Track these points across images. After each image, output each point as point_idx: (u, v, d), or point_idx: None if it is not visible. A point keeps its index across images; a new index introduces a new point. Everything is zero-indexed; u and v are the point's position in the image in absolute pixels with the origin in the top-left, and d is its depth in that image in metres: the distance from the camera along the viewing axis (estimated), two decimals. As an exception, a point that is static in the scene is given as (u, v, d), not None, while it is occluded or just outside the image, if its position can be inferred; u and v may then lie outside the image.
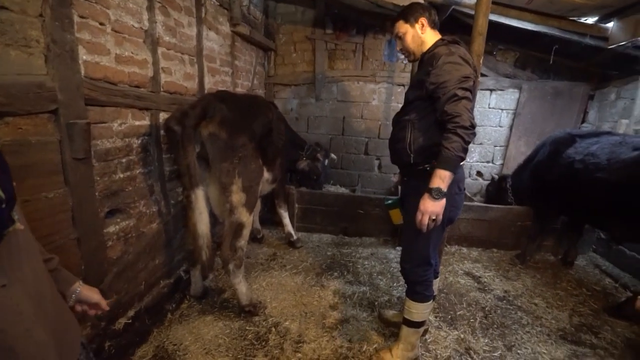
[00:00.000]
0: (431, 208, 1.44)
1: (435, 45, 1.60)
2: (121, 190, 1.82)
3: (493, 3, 2.21)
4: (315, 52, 4.20)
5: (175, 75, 2.27)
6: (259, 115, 2.25)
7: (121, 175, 1.81)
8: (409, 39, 1.67)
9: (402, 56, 4.04)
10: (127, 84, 1.81)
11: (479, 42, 1.84)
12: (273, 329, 2.08)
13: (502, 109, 4.14)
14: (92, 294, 1.04)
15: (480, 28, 1.83)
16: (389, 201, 2.24)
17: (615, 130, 3.27)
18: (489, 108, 4.16)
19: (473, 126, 1.41)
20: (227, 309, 2.25)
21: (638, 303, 1.14)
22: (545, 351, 2.00)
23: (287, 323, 2.14)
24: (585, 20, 3.00)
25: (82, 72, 1.50)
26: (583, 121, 3.99)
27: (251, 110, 2.21)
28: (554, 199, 2.86)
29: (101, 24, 1.61)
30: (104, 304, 1.06)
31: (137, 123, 1.92)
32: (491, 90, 4.08)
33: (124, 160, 1.82)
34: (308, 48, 4.24)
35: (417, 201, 1.50)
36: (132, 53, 1.83)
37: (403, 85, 4.16)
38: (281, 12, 4.20)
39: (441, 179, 1.42)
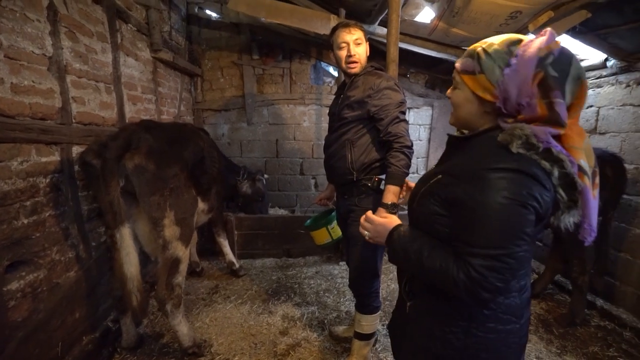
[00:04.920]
0: None
1: (366, 70, 1.73)
2: (26, 238, 1.56)
3: (401, 34, 2.51)
4: (243, 77, 4.21)
5: (90, 105, 2.07)
6: (189, 144, 2.16)
7: (25, 221, 1.56)
8: (364, 49, 1.73)
9: (328, 79, 4.37)
10: (28, 117, 1.60)
11: (393, 67, 2.06)
12: (221, 368, 1.94)
13: (419, 125, 4.62)
14: None
15: (393, 56, 2.06)
16: (308, 222, 2.22)
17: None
18: (409, 124, 4.60)
19: (412, 145, 1.60)
20: (167, 355, 2.04)
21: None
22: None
23: (236, 358, 2.02)
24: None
25: (-32, 105, 1.29)
26: (484, 132, 4.66)
27: (180, 138, 2.12)
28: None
29: (-10, 50, 1.42)
30: None
31: (43, 159, 1.69)
32: (409, 108, 4.53)
33: (27, 203, 1.58)
34: (236, 73, 4.24)
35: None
36: (33, 82, 1.63)
37: (331, 107, 4.38)
38: (206, 38, 4.15)
39: (393, 193, 1.54)
